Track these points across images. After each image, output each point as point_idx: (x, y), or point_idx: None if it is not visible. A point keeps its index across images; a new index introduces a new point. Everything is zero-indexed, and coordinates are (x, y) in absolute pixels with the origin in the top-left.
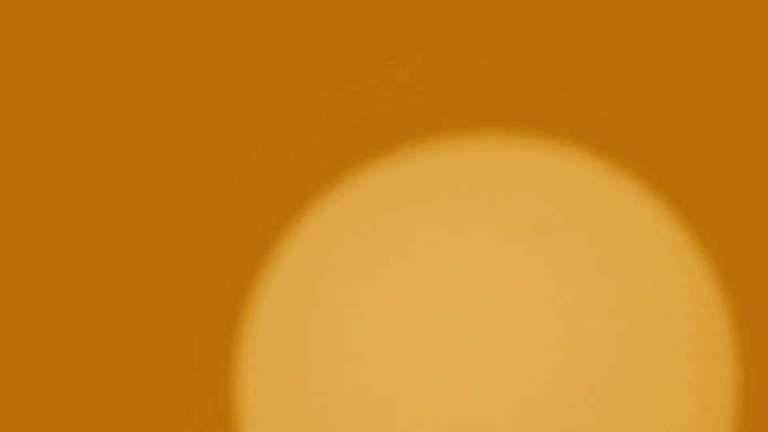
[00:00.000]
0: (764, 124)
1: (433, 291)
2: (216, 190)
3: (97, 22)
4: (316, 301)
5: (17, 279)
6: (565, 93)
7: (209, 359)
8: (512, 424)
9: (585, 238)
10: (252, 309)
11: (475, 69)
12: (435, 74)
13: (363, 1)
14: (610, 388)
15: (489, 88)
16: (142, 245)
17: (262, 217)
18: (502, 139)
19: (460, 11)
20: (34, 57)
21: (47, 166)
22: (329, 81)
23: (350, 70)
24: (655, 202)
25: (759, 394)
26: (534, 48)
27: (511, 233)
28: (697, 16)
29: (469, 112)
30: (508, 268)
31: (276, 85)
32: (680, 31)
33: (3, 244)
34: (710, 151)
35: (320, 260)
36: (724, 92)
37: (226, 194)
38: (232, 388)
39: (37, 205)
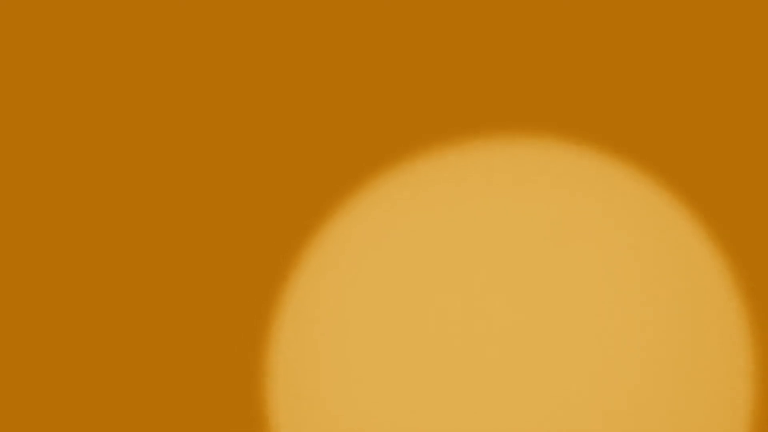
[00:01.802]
0: None
1: (454, 290)
2: (239, 195)
3: (102, 23)
4: (340, 306)
5: (40, 279)
6: (579, 92)
7: (237, 364)
8: (527, 420)
9: (600, 237)
10: (279, 313)
11: (489, 70)
12: (448, 76)
13: (372, 7)
14: (628, 385)
15: (503, 89)
16: (172, 252)
17: (284, 223)
18: (517, 140)
19: (470, 12)
20: (34, 57)
21: (73, 168)
22: (340, 88)
23: (360, 75)
24: (675, 203)
25: None
26: (544, 47)
27: (526, 232)
28: (706, 10)
29: (484, 113)
30: (526, 267)
31: (287, 92)
32: (691, 26)
33: (32, 249)
34: (724, 148)
35: (343, 263)
36: (736, 89)
37: (245, 200)
38: (262, 391)
39: (65, 208)
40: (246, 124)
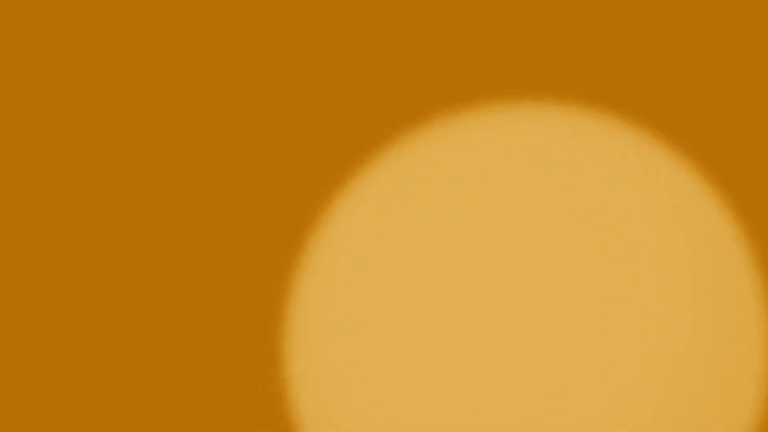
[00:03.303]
0: None
1: (466, 272)
2: (239, 176)
3: (98, 23)
4: (350, 293)
5: (47, 281)
6: (596, 58)
7: (250, 359)
8: (533, 409)
9: (619, 210)
10: (287, 303)
11: (511, 37)
12: (453, 46)
13: None
14: (638, 376)
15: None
16: (181, 245)
17: (285, 210)
18: (526, 108)
19: None
20: (34, 57)
21: (70, 167)
22: (341, 60)
23: (361, 47)
24: (695, 175)
25: None
26: (564, 19)
27: (539, 204)
28: None
29: (504, 81)
30: (541, 244)
31: (282, 76)
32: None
33: (40, 251)
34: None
35: (350, 244)
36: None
37: (243, 184)
38: (279, 386)
39: (70, 209)
40: (239, 110)
